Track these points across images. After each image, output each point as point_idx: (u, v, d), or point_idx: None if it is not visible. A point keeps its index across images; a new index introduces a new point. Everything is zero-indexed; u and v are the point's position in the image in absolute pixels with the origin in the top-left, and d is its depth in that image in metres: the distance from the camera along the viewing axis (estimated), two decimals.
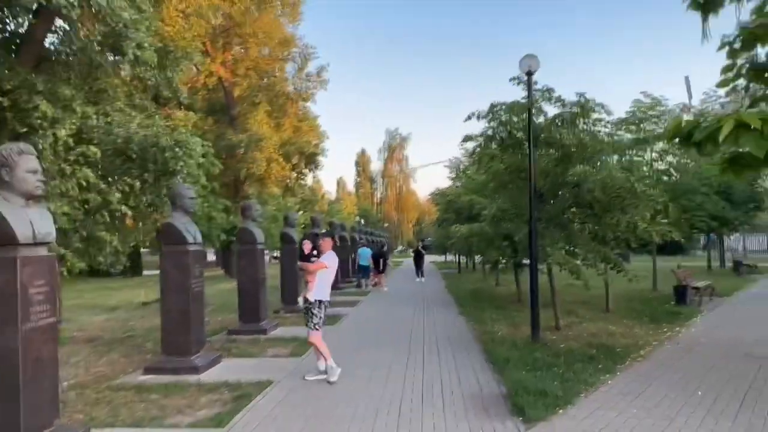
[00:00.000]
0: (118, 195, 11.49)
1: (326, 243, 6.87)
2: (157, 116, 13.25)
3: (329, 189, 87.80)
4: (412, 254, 26.38)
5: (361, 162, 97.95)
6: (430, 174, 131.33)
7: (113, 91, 13.03)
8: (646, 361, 7.39)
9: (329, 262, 6.66)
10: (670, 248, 30.11)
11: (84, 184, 10.19)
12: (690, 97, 9.04)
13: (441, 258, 45.97)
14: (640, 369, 6.94)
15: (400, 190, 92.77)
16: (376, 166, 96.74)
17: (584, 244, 8.78)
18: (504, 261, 13.71)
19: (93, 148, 10.18)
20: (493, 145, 9.52)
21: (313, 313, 6.66)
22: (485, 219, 9.87)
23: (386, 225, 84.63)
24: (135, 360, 8.11)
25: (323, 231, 19.48)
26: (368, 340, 9.26)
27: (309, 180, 39.23)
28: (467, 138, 9.43)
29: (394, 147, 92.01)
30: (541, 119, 9.03)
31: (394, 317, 12.00)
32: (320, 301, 6.65)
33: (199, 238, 7.55)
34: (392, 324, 11.02)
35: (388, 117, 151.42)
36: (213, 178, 25.76)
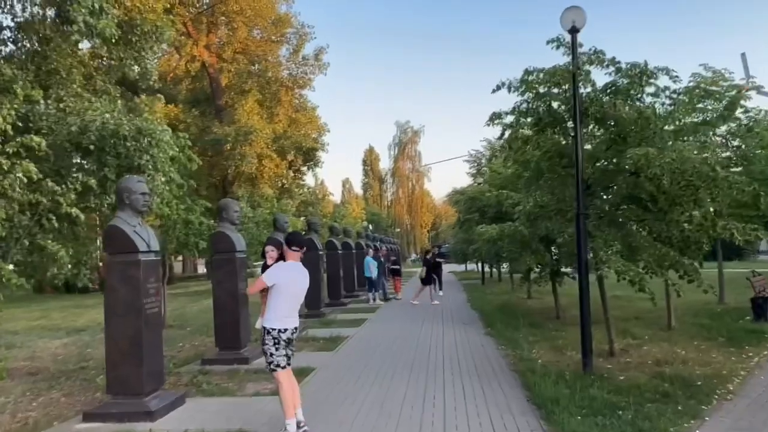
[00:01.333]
0: (72, 196, 10.58)
1: (287, 252, 5.55)
2: (119, 101, 12.36)
3: (334, 191, 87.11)
4: (422, 263, 25.28)
5: (369, 160, 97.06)
6: (446, 172, 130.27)
7: (67, 72, 12.14)
8: (738, 398, 6.28)
9: (278, 278, 5.30)
10: (725, 252, 28.67)
11: (26, 181, 9.26)
12: (747, 74, 7.97)
13: (460, 267, 44.78)
14: (735, 410, 5.84)
15: (412, 190, 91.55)
16: (385, 164, 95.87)
17: (646, 247, 7.66)
18: (538, 269, 12.66)
19: (36, 138, 9.25)
20: (527, 125, 8.44)
21: (262, 349, 5.43)
22: (519, 216, 8.77)
23: (397, 230, 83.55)
24: (79, 400, 7.16)
25: (290, 233, 18.36)
26: (374, 369, 8.22)
27: (309, 180, 38.35)
28: (494, 117, 8.37)
29: (406, 142, 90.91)
30: (588, 89, 7.95)
31: (408, 338, 10.96)
32: (268, 331, 5.30)
33: (155, 245, 6.56)
34: (405, 347, 9.97)
35: (398, 112, 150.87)
36: (196, 177, 24.97)
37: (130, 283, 6.21)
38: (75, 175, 9.51)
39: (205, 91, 28.96)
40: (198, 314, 16.92)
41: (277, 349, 5.27)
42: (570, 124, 8.31)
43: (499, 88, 7.96)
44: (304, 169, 33.31)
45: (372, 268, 19.10)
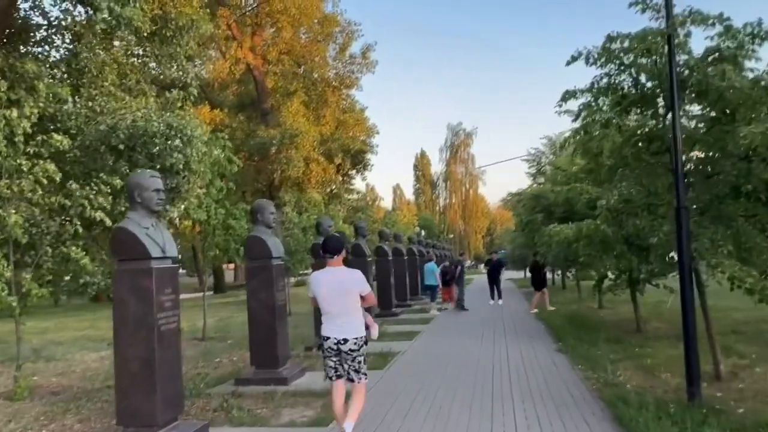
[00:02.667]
0: (100, 199, 10.02)
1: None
2: (152, 98, 11.78)
3: (385, 198, 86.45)
4: (485, 269, 23.96)
5: (421, 165, 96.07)
6: (502, 176, 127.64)
7: (98, 71, 11.64)
8: None
9: (312, 288, 5.39)
10: None
11: (45, 182, 8.68)
12: None
13: (518, 274, 43.12)
14: None
15: (466, 195, 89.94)
16: (437, 168, 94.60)
17: (764, 248, 6.30)
18: (613, 277, 11.28)
19: (58, 137, 8.67)
20: (607, 105, 7.21)
21: None
22: (600, 213, 7.52)
23: (451, 236, 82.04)
24: (93, 429, 6.38)
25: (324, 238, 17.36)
26: (429, 395, 7.14)
27: (359, 184, 37.65)
28: (567, 95, 7.17)
29: (458, 145, 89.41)
30: (684, 57, 6.66)
31: (466, 355, 9.82)
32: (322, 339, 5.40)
33: (172, 250, 5.71)
34: (464, 367, 8.84)
35: (449, 114, 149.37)
36: (242, 182, 24.62)
37: (141, 295, 5.37)
38: (101, 175, 8.90)
39: (250, 94, 28.63)
40: (242, 325, 16.15)
41: (326, 359, 5.35)
42: (661, 101, 7.04)
43: (575, 59, 6.78)
44: (353, 172, 32.60)
45: (436, 276, 18.05)
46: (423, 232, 58.07)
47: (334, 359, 5.27)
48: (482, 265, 51.27)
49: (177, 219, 11.94)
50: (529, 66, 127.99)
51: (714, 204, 6.70)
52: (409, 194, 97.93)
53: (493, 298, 20.61)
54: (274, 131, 24.06)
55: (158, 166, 10.95)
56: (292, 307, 19.53)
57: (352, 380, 5.27)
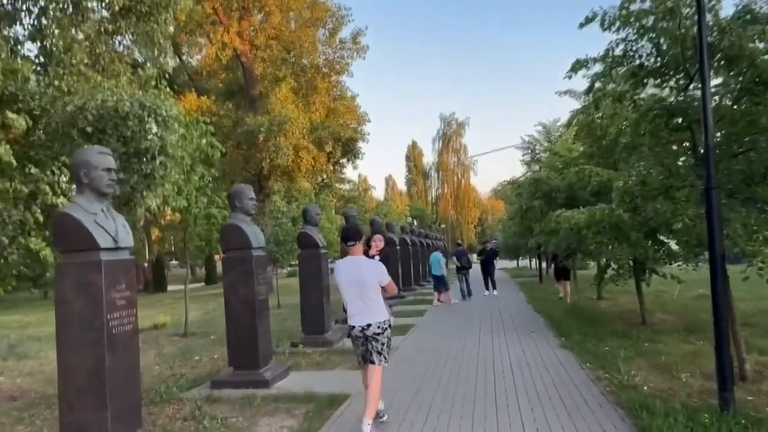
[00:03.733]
0: (64, 184, 9.15)
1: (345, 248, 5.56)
2: (124, 77, 10.82)
3: (377, 189, 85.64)
4: (478, 258, 23.22)
5: (413, 156, 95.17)
6: (492, 167, 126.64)
7: (66, 49, 10.65)
8: None
9: (336, 278, 5.43)
10: None
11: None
12: None
13: (511, 264, 42.54)
14: None
15: (458, 185, 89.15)
16: (429, 159, 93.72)
17: None
18: (616, 266, 10.53)
19: (12, 115, 7.75)
20: (621, 78, 6.39)
21: None
22: (616, 196, 6.70)
23: (442, 226, 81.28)
24: None
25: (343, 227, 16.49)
26: (426, 399, 6.34)
27: (350, 174, 36.84)
28: (578, 65, 6.35)
29: (450, 134, 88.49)
30: (709, 18, 5.85)
31: (464, 352, 9.04)
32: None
33: (126, 239, 4.86)
34: (462, 366, 8.06)
35: (441, 105, 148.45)
36: (230, 172, 23.78)
37: (88, 293, 4.53)
38: (62, 158, 8.01)
39: (238, 82, 27.61)
40: None
41: (355, 347, 5.45)
42: (683, 71, 6.23)
43: (589, 20, 5.94)
44: (344, 161, 31.66)
45: (442, 266, 17.41)
46: (415, 222, 57.34)
47: (362, 347, 5.34)
48: (474, 255, 50.66)
49: (154, 207, 11.04)
50: (520, 56, 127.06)
51: (745, 185, 5.90)
52: (401, 185, 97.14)
53: (487, 288, 19.86)
54: (262, 118, 23.10)
55: (132, 150, 10.10)
56: (282, 299, 18.75)
57: (372, 362, 5.26)
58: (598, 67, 6.34)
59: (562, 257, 13.35)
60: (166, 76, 11.96)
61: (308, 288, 10.41)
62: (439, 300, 16.93)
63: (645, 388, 6.26)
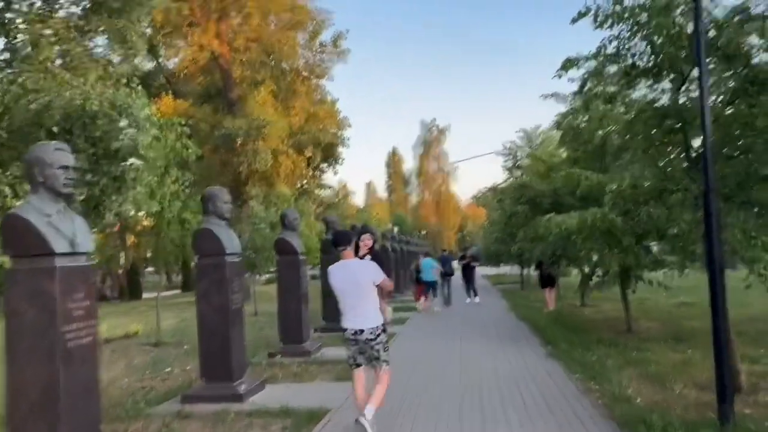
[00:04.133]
0: (26, 186, 8.66)
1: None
2: (94, 74, 10.39)
3: (357, 196, 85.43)
4: (459, 264, 23.01)
5: (393, 162, 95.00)
6: (472, 174, 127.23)
7: (33, 44, 10.22)
8: None
9: (330, 281, 5.51)
10: None
11: None
12: None
13: (491, 270, 42.39)
14: None
15: (438, 191, 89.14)
16: (410, 165, 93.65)
17: None
18: (601, 273, 10.37)
19: None
20: (613, 78, 6.17)
21: None
22: (609, 200, 6.45)
23: (423, 232, 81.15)
24: None
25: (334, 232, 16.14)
26: (408, 416, 6.01)
27: (331, 180, 36.49)
28: (569, 63, 6.11)
29: (431, 141, 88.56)
30: (705, 15, 5.63)
31: (447, 363, 8.74)
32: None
33: (85, 243, 4.46)
34: (445, 378, 7.74)
35: (422, 112, 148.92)
36: (206, 176, 23.23)
37: (41, 302, 4.13)
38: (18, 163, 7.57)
39: (216, 85, 27.12)
40: None
41: (347, 348, 5.46)
42: (676, 70, 6.02)
43: (581, 15, 5.72)
44: (324, 166, 31.26)
45: (434, 272, 17.27)
46: (396, 229, 57.09)
47: (353, 348, 5.37)
48: (455, 262, 50.49)
49: (125, 211, 10.61)
50: (502, 64, 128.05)
51: (742, 188, 5.70)
52: (381, 191, 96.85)
53: (469, 295, 19.60)
54: (240, 122, 22.68)
55: (101, 151, 9.67)
56: (259, 306, 18.27)
57: (374, 367, 5.36)
58: (589, 66, 6.10)
59: (547, 264, 13.14)
60: (139, 75, 11.56)
61: (286, 296, 10.03)
62: (424, 305, 16.75)
63: (638, 400, 6.01)
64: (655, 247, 8.48)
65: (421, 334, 11.96)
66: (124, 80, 9.92)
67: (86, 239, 4.49)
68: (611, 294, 11.32)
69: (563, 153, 15.30)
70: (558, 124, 10.38)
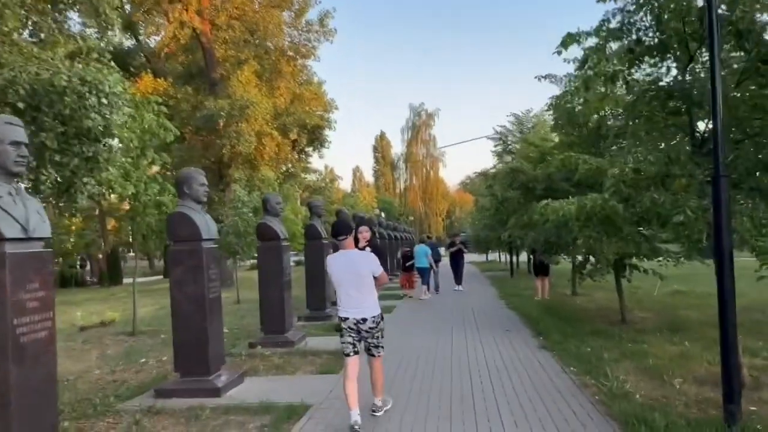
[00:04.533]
0: None
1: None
2: (63, 48, 9.88)
3: (344, 181, 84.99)
4: (447, 252, 22.82)
5: (381, 146, 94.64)
6: (461, 159, 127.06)
7: None
8: None
9: (328, 270, 5.63)
10: None
11: None
12: None
13: (480, 258, 42.40)
14: None
15: (426, 176, 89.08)
16: (398, 150, 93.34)
17: None
18: (594, 261, 10.14)
19: None
20: (614, 50, 5.85)
21: None
22: (610, 185, 6.16)
23: (410, 218, 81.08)
24: None
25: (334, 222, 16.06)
26: (394, 409, 5.73)
27: (317, 164, 36.06)
28: (570, 39, 5.78)
29: (420, 125, 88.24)
30: None
31: (436, 354, 8.48)
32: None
33: (42, 228, 4.09)
34: (434, 371, 7.48)
35: (410, 95, 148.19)
36: (188, 159, 22.76)
37: None
38: None
39: (198, 64, 26.48)
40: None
41: (341, 336, 5.52)
42: (681, 48, 5.71)
43: None
44: (310, 150, 30.80)
45: (429, 258, 17.21)
46: (383, 214, 56.87)
47: (353, 336, 5.42)
48: (443, 249, 50.43)
49: (97, 194, 10.16)
50: (493, 46, 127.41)
51: (750, 174, 5.43)
52: (368, 176, 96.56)
53: (458, 282, 19.39)
54: (222, 102, 22.12)
55: (72, 130, 9.21)
56: (242, 293, 17.94)
57: (372, 355, 5.53)
58: (591, 42, 5.78)
59: (540, 251, 12.92)
60: (116, 52, 11.06)
61: (268, 283, 9.69)
62: (409, 290, 16.54)
63: (637, 396, 5.78)
64: (647, 234, 8.30)
65: (409, 324, 11.70)
66: (96, 55, 9.42)
67: (42, 224, 4.12)
68: (603, 282, 11.10)
69: (556, 138, 15.09)
70: (552, 107, 10.10)
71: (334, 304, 13.82)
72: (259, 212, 18.23)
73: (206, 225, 6.94)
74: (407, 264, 17.87)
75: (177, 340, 6.81)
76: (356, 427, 5.05)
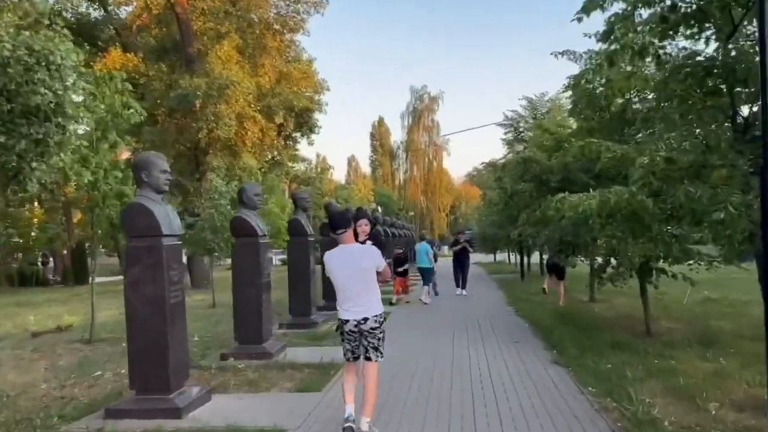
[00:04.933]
0: None
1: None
2: (7, 13, 9.53)
3: (339, 172, 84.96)
4: (450, 251, 22.60)
5: (378, 134, 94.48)
6: (467, 149, 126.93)
7: None
8: None
9: (327, 268, 5.68)
10: None
11: None
12: None
13: (487, 258, 42.19)
14: None
15: (429, 167, 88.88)
16: (398, 137, 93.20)
17: None
18: (616, 264, 9.89)
19: None
20: (643, 18, 5.54)
21: None
22: (638, 177, 5.84)
23: (411, 214, 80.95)
24: None
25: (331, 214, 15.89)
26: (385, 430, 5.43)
27: (306, 151, 35.83)
28: (592, 5, 5.45)
29: (422, 110, 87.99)
30: None
31: (434, 370, 8.20)
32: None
33: None
34: (434, 389, 7.19)
35: (412, 75, 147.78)
36: (160, 144, 22.43)
37: None
38: None
39: (173, 38, 26.11)
40: None
41: (341, 340, 5.68)
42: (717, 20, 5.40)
43: None
44: (298, 136, 30.46)
45: (430, 257, 17.29)
46: (380, 209, 56.68)
47: (354, 342, 5.54)
48: (446, 248, 50.24)
49: (49, 181, 9.88)
50: (503, 20, 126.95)
51: None
52: (365, 167, 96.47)
53: (458, 286, 19.08)
54: (199, 81, 21.79)
55: (18, 108, 8.88)
56: (219, 296, 17.59)
57: (369, 359, 5.49)
58: (617, 8, 5.46)
59: (554, 252, 12.69)
60: (71, 17, 10.73)
61: (243, 286, 9.36)
62: (423, 297, 16.60)
63: (666, 423, 5.47)
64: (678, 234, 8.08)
65: (404, 333, 11.39)
66: (46, 21, 9.08)
67: None
68: (625, 287, 10.86)
69: (573, 123, 14.83)
70: (570, 87, 9.85)
71: (321, 309, 13.89)
72: (236, 204, 17.95)
73: (168, 218, 6.61)
74: (400, 269, 17.51)
75: (132, 352, 6.50)
76: (350, 420, 5.23)
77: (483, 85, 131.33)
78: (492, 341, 10.27)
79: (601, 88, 9.26)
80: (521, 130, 24.82)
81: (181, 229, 7.04)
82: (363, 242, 6.80)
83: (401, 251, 18.42)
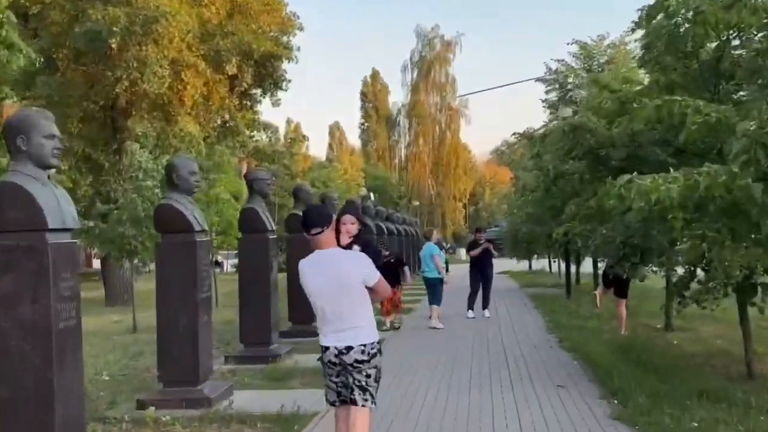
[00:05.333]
0: None
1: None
2: None
3: (316, 144, 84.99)
4: (467, 256, 22.64)
5: (372, 93, 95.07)
6: (495, 113, 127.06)
7: None
8: None
9: (302, 281, 5.89)
10: None
11: None
12: None
13: (521, 265, 42.28)
14: None
15: (441, 139, 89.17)
16: (398, 98, 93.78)
17: None
18: (705, 279, 9.94)
19: None
20: None
21: None
22: (738, 153, 5.66)
23: (416, 203, 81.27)
24: None
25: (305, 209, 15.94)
26: None
27: (270, 115, 35.66)
28: None
29: (432, 60, 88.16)
30: None
31: (443, 418, 8.16)
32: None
33: None
34: None
35: (418, 13, 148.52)
36: (59, 101, 22.32)
37: None
38: None
39: None
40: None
41: (325, 378, 5.84)
42: None
43: None
44: (258, 92, 30.38)
45: (438, 263, 17.31)
46: (373, 197, 56.81)
47: (336, 379, 5.65)
48: (462, 250, 50.39)
49: None
50: None
51: None
52: (353, 138, 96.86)
53: (471, 307, 18.88)
54: (117, 10, 21.65)
55: None
56: (143, 317, 17.51)
57: (355, 403, 5.56)
58: None
59: (612, 261, 12.71)
60: None
61: (171, 303, 9.37)
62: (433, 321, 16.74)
63: None
64: None
65: (403, 371, 11.34)
66: None
67: None
68: (715, 311, 10.98)
69: (645, 78, 14.80)
70: (641, 22, 9.84)
71: (285, 335, 13.80)
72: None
73: (56, 204, 6.42)
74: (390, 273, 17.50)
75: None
76: None
77: (516, 25, 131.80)
78: (526, 385, 10.29)
79: (687, 25, 9.15)
80: (570, 87, 25.05)
81: (77, 221, 6.94)
82: (347, 247, 7.08)
83: (389, 254, 18.25)
